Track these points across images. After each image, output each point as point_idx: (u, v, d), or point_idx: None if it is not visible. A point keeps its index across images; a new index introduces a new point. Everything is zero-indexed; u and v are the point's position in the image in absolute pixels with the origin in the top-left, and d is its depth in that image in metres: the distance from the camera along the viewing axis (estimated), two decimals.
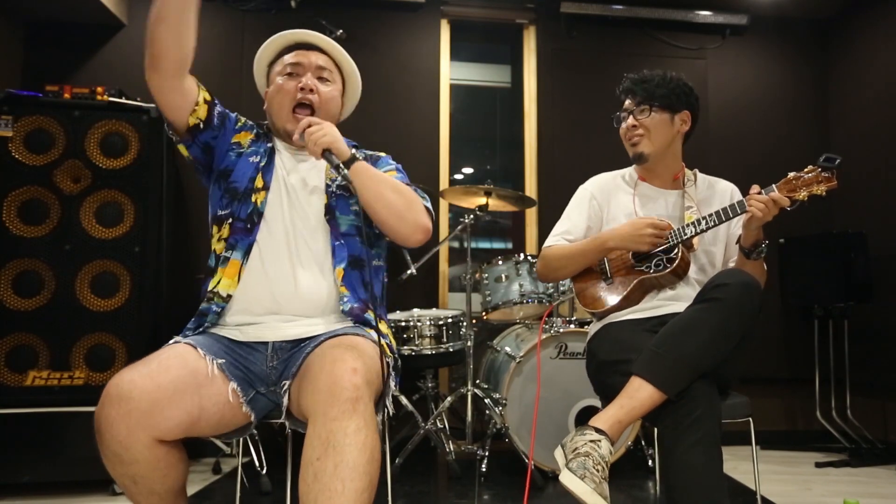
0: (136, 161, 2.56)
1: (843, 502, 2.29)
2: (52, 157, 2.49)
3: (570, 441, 1.50)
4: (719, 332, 1.50)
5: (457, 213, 3.63)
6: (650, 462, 2.76)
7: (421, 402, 3.05)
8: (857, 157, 3.47)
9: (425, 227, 1.48)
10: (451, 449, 2.76)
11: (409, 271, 2.95)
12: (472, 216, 2.92)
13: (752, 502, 2.31)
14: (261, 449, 2.59)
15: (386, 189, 1.45)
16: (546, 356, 2.66)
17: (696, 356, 1.48)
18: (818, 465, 3.03)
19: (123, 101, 2.60)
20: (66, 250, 2.47)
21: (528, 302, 2.83)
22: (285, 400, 1.31)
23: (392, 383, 1.41)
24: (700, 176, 1.97)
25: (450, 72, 3.77)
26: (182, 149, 1.53)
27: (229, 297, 1.42)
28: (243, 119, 1.62)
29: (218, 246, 1.49)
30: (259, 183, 1.49)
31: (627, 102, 1.94)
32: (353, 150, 1.48)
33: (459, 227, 2.93)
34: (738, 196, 1.91)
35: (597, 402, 2.51)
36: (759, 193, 1.62)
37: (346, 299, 1.44)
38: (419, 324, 2.78)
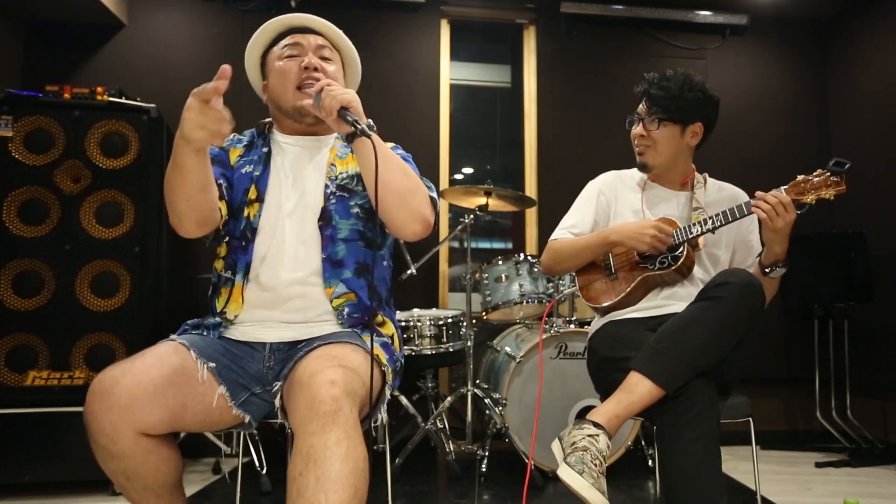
0: (136, 161, 2.56)
1: (843, 502, 2.29)
2: (52, 157, 2.49)
3: (567, 435, 1.50)
4: (720, 331, 1.50)
5: (457, 213, 3.63)
6: (650, 462, 2.76)
7: (421, 402, 3.05)
8: (857, 156, 3.46)
9: (426, 218, 1.38)
10: (451, 449, 2.76)
11: (409, 271, 2.95)
12: (472, 216, 2.92)
13: (752, 502, 2.31)
14: (261, 449, 2.59)
15: (394, 168, 1.34)
16: (546, 356, 2.65)
17: (696, 354, 1.48)
18: (818, 465, 3.03)
19: (123, 101, 2.60)
20: (66, 250, 2.47)
21: (528, 302, 2.83)
22: (277, 402, 1.31)
23: (387, 391, 1.36)
24: (710, 180, 1.97)
25: (450, 72, 3.77)
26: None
27: (236, 317, 1.41)
28: (227, 142, 1.53)
29: (218, 264, 1.47)
30: (252, 195, 1.43)
31: (641, 107, 1.91)
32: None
33: (459, 227, 2.93)
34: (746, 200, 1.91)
35: (597, 402, 2.50)
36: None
37: (346, 311, 1.41)
38: (419, 324, 2.78)
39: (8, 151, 2.46)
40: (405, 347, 2.74)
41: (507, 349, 2.86)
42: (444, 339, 2.78)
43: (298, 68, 1.44)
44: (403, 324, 2.78)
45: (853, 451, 3.17)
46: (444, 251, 3.64)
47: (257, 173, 1.46)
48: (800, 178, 1.62)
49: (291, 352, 1.37)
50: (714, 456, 1.43)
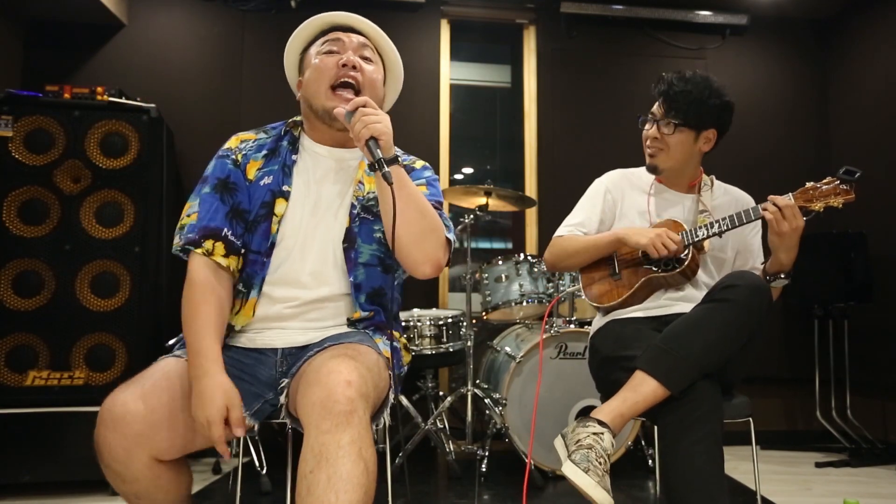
0: (136, 161, 2.56)
1: (843, 502, 2.29)
2: (52, 157, 2.49)
3: (571, 432, 1.49)
4: (726, 333, 1.50)
5: (457, 213, 3.63)
6: (650, 462, 2.76)
7: (421, 402, 3.05)
8: (856, 157, 3.47)
9: (438, 262, 1.34)
10: (451, 449, 2.76)
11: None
12: (472, 216, 2.92)
13: (752, 502, 2.31)
14: (261, 449, 2.59)
15: (413, 207, 1.30)
16: (546, 356, 2.65)
17: (702, 355, 1.48)
18: (818, 465, 3.03)
19: (123, 101, 2.60)
20: (66, 250, 2.47)
21: (528, 302, 2.84)
22: (282, 398, 1.30)
23: (391, 395, 1.36)
24: (717, 183, 1.96)
25: (450, 72, 3.77)
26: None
27: (242, 328, 1.39)
28: (244, 147, 1.45)
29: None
30: (272, 208, 1.38)
31: (657, 107, 1.88)
32: (396, 153, 1.33)
33: (459, 227, 2.93)
34: (753, 204, 1.90)
35: (597, 402, 2.50)
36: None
37: (361, 325, 1.40)
38: (419, 324, 2.78)
39: (8, 151, 2.46)
40: None
41: (507, 349, 2.85)
42: (444, 339, 2.78)
43: (336, 66, 1.39)
44: (403, 324, 2.78)
45: (853, 451, 3.17)
46: None
47: (279, 186, 1.39)
48: (809, 184, 1.61)
49: (302, 352, 1.34)
50: (717, 457, 1.42)
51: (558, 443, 1.51)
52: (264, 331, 1.39)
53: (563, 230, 1.94)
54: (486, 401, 2.67)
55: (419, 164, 1.56)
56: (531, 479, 2.50)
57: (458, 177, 3.98)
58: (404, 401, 2.79)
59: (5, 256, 2.44)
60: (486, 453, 2.67)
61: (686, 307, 1.67)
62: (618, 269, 1.87)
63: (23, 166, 2.47)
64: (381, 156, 1.24)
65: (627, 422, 1.52)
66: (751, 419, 1.67)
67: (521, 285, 2.86)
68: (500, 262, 2.93)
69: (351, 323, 1.40)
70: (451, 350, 2.78)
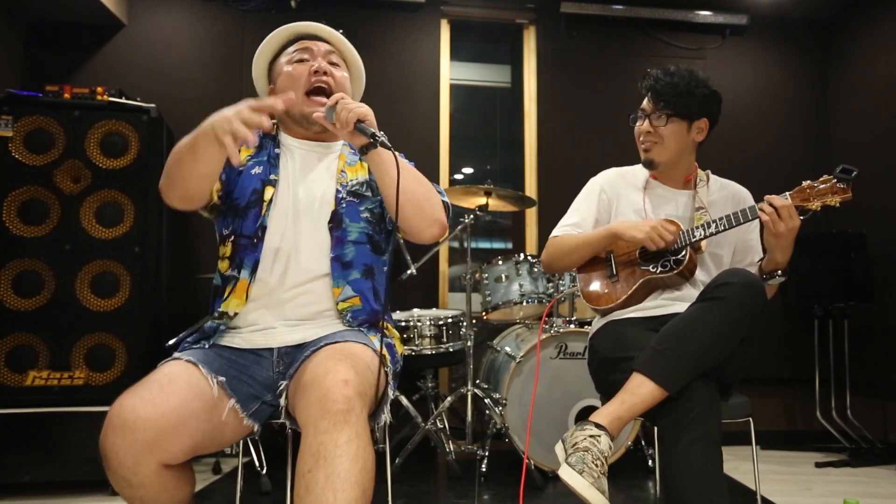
0: (136, 161, 2.56)
1: (843, 502, 2.29)
2: (52, 157, 2.50)
3: (570, 436, 1.50)
4: (721, 331, 1.50)
5: (457, 213, 3.62)
6: (650, 462, 2.76)
7: (421, 402, 3.05)
8: (856, 156, 3.46)
9: (441, 222, 1.43)
10: (451, 449, 2.76)
11: (409, 271, 2.95)
12: (472, 216, 2.92)
13: (752, 502, 2.31)
14: (261, 449, 2.59)
15: (409, 177, 1.38)
16: (546, 356, 2.66)
17: (698, 354, 1.48)
18: (818, 465, 3.03)
19: (123, 101, 2.60)
20: (66, 250, 2.47)
21: (528, 302, 2.83)
22: (282, 401, 1.30)
23: (390, 392, 1.37)
24: (713, 177, 1.96)
25: (450, 72, 3.77)
26: (204, 213, 1.48)
27: (236, 314, 1.40)
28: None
29: (223, 265, 1.45)
30: (262, 195, 1.43)
31: (646, 103, 1.88)
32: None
33: (459, 227, 2.93)
34: (750, 201, 1.89)
35: (597, 402, 2.51)
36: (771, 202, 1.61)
37: (350, 315, 1.41)
38: (419, 324, 2.78)
39: (8, 151, 2.47)
40: (405, 347, 2.74)
41: (507, 349, 2.86)
42: (444, 339, 2.78)
43: (308, 72, 1.46)
44: (403, 324, 2.78)
45: (853, 451, 3.17)
46: (444, 251, 3.64)
47: (266, 175, 1.45)
48: (805, 183, 1.61)
49: (298, 352, 1.36)
50: (715, 457, 1.42)
51: (558, 448, 1.52)
52: (259, 331, 1.40)
53: (559, 231, 1.94)
54: (486, 401, 2.67)
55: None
56: (532, 479, 2.50)
57: (458, 177, 3.98)
58: (404, 401, 2.79)
59: (5, 256, 2.44)
60: (486, 453, 2.67)
61: (684, 307, 1.67)
62: (615, 270, 1.87)
63: (23, 166, 2.47)
64: (373, 130, 1.31)
65: (626, 424, 1.52)
66: (751, 419, 1.67)
67: (521, 285, 2.86)
68: (500, 262, 2.93)
69: (344, 319, 1.41)
70: (451, 350, 2.78)
